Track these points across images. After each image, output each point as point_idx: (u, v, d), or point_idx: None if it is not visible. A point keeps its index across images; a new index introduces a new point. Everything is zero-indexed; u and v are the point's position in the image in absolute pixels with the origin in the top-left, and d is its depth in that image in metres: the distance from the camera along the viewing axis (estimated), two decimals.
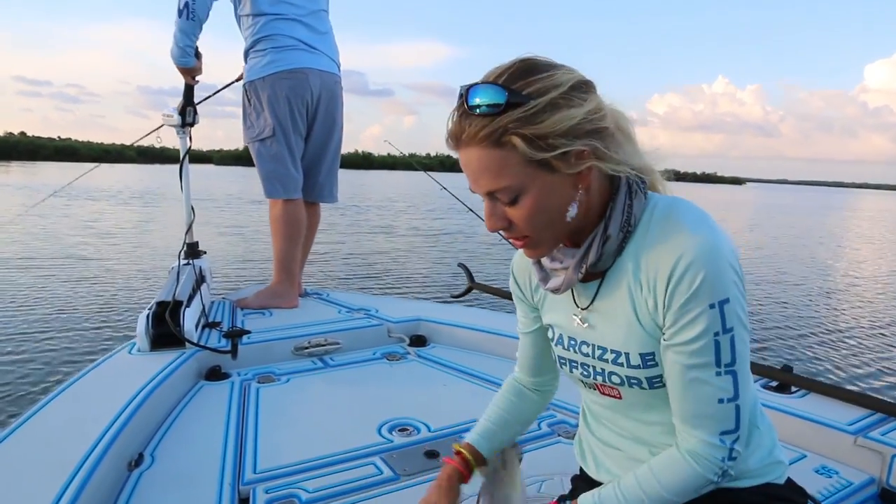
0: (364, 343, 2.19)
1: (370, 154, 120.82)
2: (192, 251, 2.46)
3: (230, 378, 1.86)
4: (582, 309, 0.89)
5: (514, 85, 0.74)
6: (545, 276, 0.90)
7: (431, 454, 1.41)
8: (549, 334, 0.98)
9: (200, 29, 2.31)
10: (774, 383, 1.71)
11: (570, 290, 0.90)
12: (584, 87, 0.77)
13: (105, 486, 1.20)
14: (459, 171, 0.81)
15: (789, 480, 0.95)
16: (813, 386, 1.67)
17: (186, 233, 2.44)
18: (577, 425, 1.07)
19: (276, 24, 2.35)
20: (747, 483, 0.88)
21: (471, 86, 0.75)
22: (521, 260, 1.00)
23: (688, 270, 0.75)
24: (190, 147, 2.48)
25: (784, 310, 6.76)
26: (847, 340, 5.91)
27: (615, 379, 0.87)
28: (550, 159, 0.75)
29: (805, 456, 1.43)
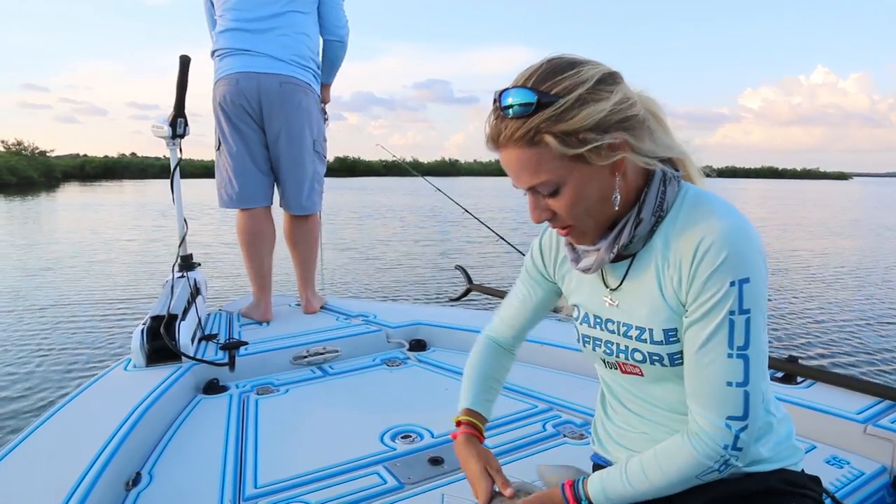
0: (363, 350, 2.17)
1: (456, 161, 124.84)
2: (186, 264, 2.42)
3: (228, 391, 1.83)
4: (611, 290, 0.92)
5: (543, 86, 0.77)
6: (576, 256, 0.93)
7: (435, 461, 1.39)
8: (575, 314, 1.01)
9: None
10: (780, 374, 1.69)
11: (599, 272, 0.94)
12: (610, 80, 0.80)
13: None
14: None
15: (803, 471, 0.95)
16: (819, 375, 1.66)
17: (180, 245, 2.40)
18: (582, 425, 1.07)
19: (219, 38, 2.35)
20: (761, 468, 0.89)
21: (503, 90, 0.79)
22: (550, 238, 1.04)
23: (712, 246, 0.79)
24: (181, 159, 2.44)
25: (794, 298, 6.80)
26: (854, 327, 5.93)
27: (637, 356, 0.90)
28: (584, 153, 0.78)
29: (815, 447, 1.42)
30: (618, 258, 0.89)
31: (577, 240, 0.90)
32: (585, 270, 0.91)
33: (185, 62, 2.33)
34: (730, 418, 0.81)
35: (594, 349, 0.97)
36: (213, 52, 2.39)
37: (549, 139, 0.77)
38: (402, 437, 1.51)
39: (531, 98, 0.76)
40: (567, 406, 1.66)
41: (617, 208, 0.84)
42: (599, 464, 1.06)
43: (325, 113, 2.59)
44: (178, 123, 2.37)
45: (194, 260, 2.47)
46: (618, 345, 0.92)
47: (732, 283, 0.78)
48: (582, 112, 0.76)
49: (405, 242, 10.81)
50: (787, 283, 7.79)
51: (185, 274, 2.30)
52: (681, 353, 0.85)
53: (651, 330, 0.87)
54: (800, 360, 1.71)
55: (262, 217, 2.44)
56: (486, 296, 2.91)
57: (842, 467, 1.34)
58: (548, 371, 1.97)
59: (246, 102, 2.31)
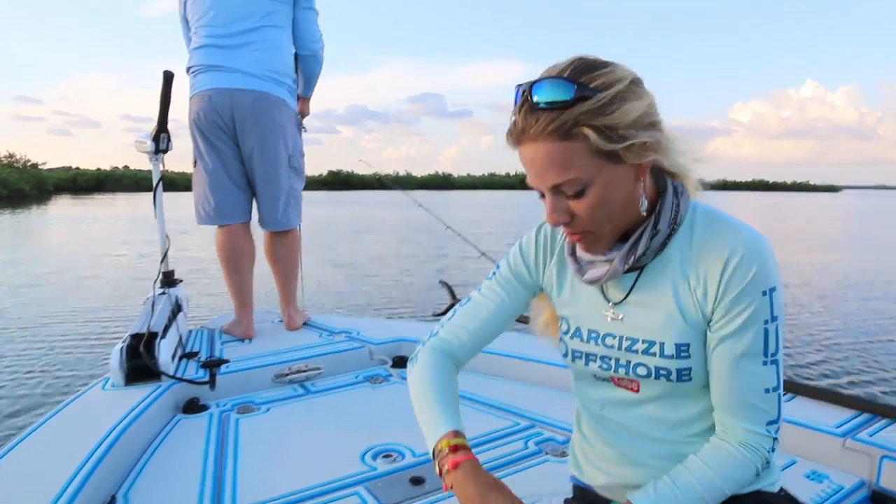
0: (346, 367, 2.15)
1: (450, 175, 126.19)
2: (168, 280, 2.40)
3: (208, 410, 1.80)
4: (615, 303, 0.90)
5: (581, 79, 0.76)
6: (580, 268, 0.91)
7: (417, 480, 1.37)
8: (563, 328, 0.97)
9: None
10: None
11: (599, 286, 0.92)
12: (640, 83, 0.80)
13: None
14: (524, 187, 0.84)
15: (782, 489, 0.94)
16: (798, 389, 1.66)
17: (161, 261, 2.38)
18: (564, 442, 1.05)
19: (193, 54, 2.35)
20: (738, 491, 0.87)
21: (534, 82, 0.77)
22: (547, 237, 1.00)
23: (742, 261, 0.80)
24: (163, 174, 2.44)
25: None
26: (833, 341, 5.97)
27: (641, 371, 0.88)
28: (619, 150, 0.77)
29: (795, 462, 1.42)
30: (625, 271, 0.87)
31: (591, 247, 0.87)
32: (594, 282, 0.89)
33: (168, 78, 2.33)
34: (769, 423, 0.84)
35: (587, 364, 0.94)
36: (188, 69, 2.38)
37: (587, 132, 0.75)
38: (383, 457, 1.50)
39: (570, 90, 0.74)
40: (549, 423, 1.65)
41: (644, 213, 0.84)
42: (578, 485, 1.05)
43: (303, 127, 2.58)
44: (161, 139, 2.37)
45: (176, 276, 2.45)
46: (617, 360, 0.90)
47: (764, 293, 0.80)
48: (622, 108, 0.75)
49: (399, 258, 10.79)
50: None
51: (166, 290, 2.28)
52: (689, 370, 0.85)
53: (662, 344, 0.85)
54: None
55: (240, 233, 2.42)
56: None
57: (821, 482, 1.33)
58: (528, 387, 1.96)
59: (219, 119, 2.30)
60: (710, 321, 0.83)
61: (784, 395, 1.72)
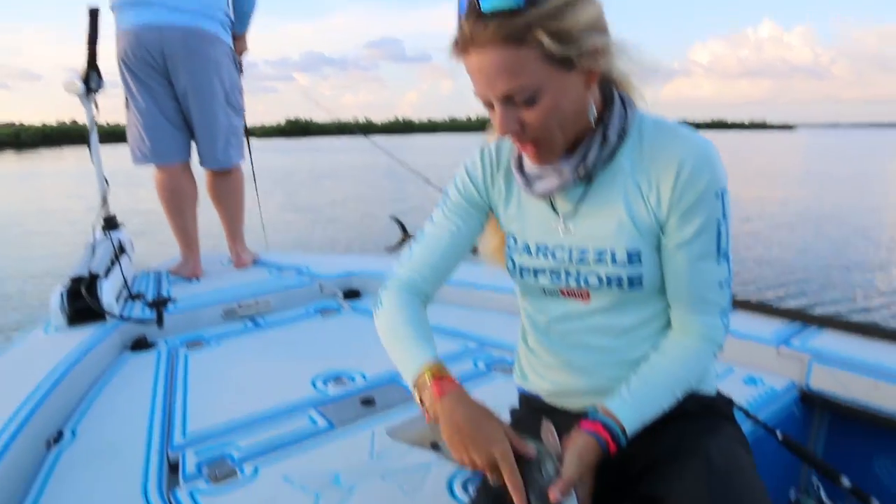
0: (296, 301, 2.15)
1: (411, 120, 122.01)
2: (109, 224, 2.33)
3: (157, 347, 1.79)
4: (564, 215, 0.91)
5: None
6: (528, 181, 0.90)
7: (367, 402, 1.40)
8: (510, 244, 0.96)
9: None
10: None
11: (547, 199, 0.91)
12: None
13: (19, 466, 1.14)
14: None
15: (718, 392, 0.99)
16: (739, 304, 1.73)
17: (101, 206, 2.30)
18: (513, 361, 1.07)
19: None
20: None
21: None
22: (488, 159, 0.98)
23: (695, 169, 0.81)
24: (97, 115, 2.32)
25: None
26: (774, 257, 6.32)
27: (592, 280, 0.89)
28: (571, 56, 0.76)
29: (732, 370, 1.49)
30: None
31: (541, 157, 0.85)
32: (544, 195, 0.89)
33: (93, 14, 2.19)
34: (721, 313, 0.89)
35: (536, 278, 0.93)
36: (111, 6, 2.23)
37: (541, 36, 0.73)
38: (334, 382, 1.52)
39: None
40: (498, 344, 1.69)
41: (593, 122, 0.83)
42: (524, 394, 1.07)
43: (241, 64, 2.48)
44: (90, 78, 2.25)
45: (118, 220, 2.38)
46: (567, 272, 0.90)
47: (717, 195, 0.83)
48: (575, 12, 0.74)
49: (360, 202, 10.69)
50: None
51: (108, 235, 2.22)
52: (640, 277, 0.86)
53: (614, 252, 0.86)
54: None
55: (179, 173, 2.35)
56: None
57: (756, 386, 1.41)
58: (478, 312, 2.00)
59: (149, 56, 2.19)
60: (665, 228, 0.85)
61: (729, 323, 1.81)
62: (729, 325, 0.91)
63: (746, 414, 1.25)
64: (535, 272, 0.94)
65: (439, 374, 0.84)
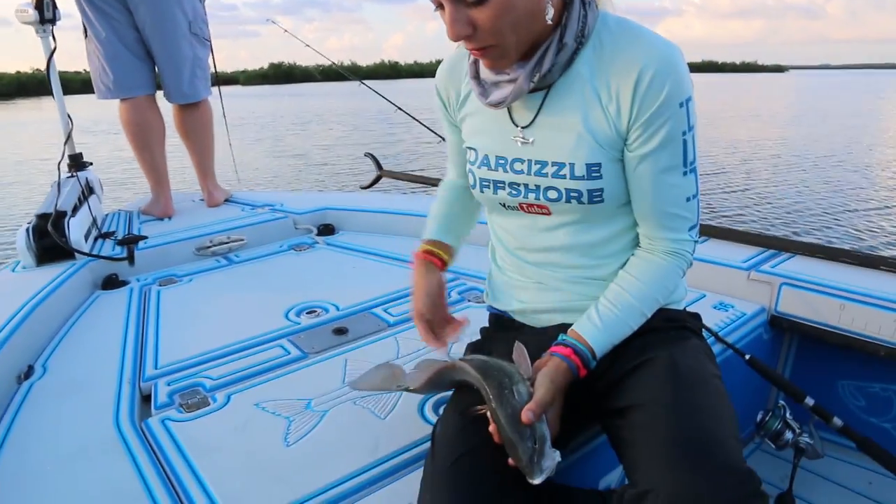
0: (270, 237, 2.12)
1: (397, 63, 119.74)
2: (76, 163, 2.26)
3: (129, 285, 1.77)
4: (522, 126, 0.87)
5: None
6: (484, 90, 0.86)
7: (340, 331, 1.41)
8: (471, 158, 0.95)
9: None
10: None
11: (506, 109, 0.88)
12: None
13: None
14: None
15: (685, 309, 0.99)
16: (711, 231, 1.73)
17: (65, 143, 2.23)
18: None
19: None
20: None
21: None
22: (448, 73, 0.97)
23: (656, 76, 0.77)
24: (55, 48, 2.21)
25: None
26: (747, 188, 6.47)
27: (552, 194, 0.87)
28: None
29: (704, 295, 1.50)
30: (530, 91, 0.83)
31: (495, 62, 0.82)
32: (498, 104, 0.84)
33: None
34: (691, 228, 0.88)
35: (495, 192, 0.92)
36: None
37: None
38: (307, 313, 1.51)
39: None
40: (471, 275, 1.69)
41: (550, 22, 0.78)
42: (494, 312, 1.07)
43: None
44: (44, 6, 2.12)
45: (85, 159, 2.31)
46: (526, 185, 0.88)
47: (681, 105, 0.79)
48: None
49: (348, 146, 10.52)
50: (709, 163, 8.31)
51: (75, 174, 2.16)
52: (600, 191, 0.84)
53: (572, 164, 0.83)
54: None
55: (145, 106, 2.25)
56: (398, 181, 2.86)
57: (727, 310, 1.43)
58: None
59: None
60: (627, 140, 0.82)
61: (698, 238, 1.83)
62: (697, 239, 0.90)
63: (716, 336, 1.26)
64: (495, 185, 0.92)
65: (426, 249, 1.03)
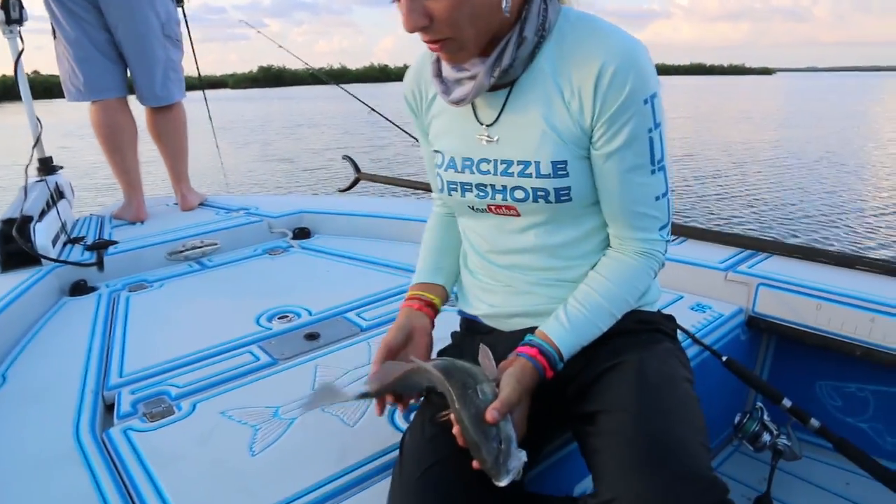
0: (244, 241, 2.09)
1: (386, 66, 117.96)
2: (45, 167, 2.22)
3: (97, 291, 1.73)
4: (487, 125, 0.85)
5: None
6: (446, 88, 0.84)
7: (312, 336, 1.38)
8: (437, 161, 0.93)
9: None
10: None
11: (469, 108, 0.86)
12: None
13: None
14: None
15: (659, 311, 0.97)
16: (688, 232, 1.72)
17: (34, 147, 2.18)
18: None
19: None
20: None
21: None
22: (414, 77, 0.95)
23: (617, 72, 0.74)
24: (23, 49, 2.16)
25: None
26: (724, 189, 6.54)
27: (519, 194, 0.85)
28: None
29: (682, 297, 1.49)
30: (493, 88, 0.81)
31: (453, 56, 0.80)
32: (460, 101, 0.82)
33: None
34: (661, 227, 0.86)
35: (463, 195, 0.90)
36: None
37: None
38: (279, 318, 1.48)
39: None
40: None
41: (508, 15, 0.76)
42: (465, 317, 1.05)
43: None
44: (10, 6, 2.08)
45: (55, 163, 2.27)
46: (493, 186, 0.86)
47: (645, 102, 0.76)
48: None
49: (339, 150, 10.48)
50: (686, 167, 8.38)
51: (44, 178, 2.11)
52: (568, 189, 0.82)
53: (538, 163, 0.81)
54: (673, 221, 1.77)
55: (116, 108, 2.21)
56: (376, 184, 2.83)
57: (704, 312, 1.41)
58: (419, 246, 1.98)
59: None
60: (592, 137, 0.80)
61: (674, 238, 1.80)
62: (669, 238, 0.88)
63: (693, 338, 1.25)
64: (462, 188, 0.90)
65: (412, 295, 0.99)
